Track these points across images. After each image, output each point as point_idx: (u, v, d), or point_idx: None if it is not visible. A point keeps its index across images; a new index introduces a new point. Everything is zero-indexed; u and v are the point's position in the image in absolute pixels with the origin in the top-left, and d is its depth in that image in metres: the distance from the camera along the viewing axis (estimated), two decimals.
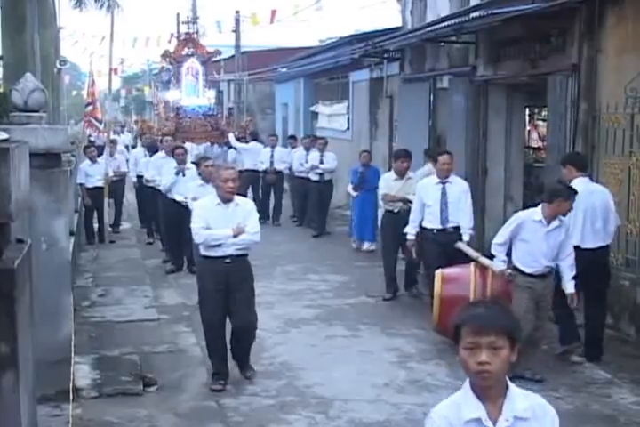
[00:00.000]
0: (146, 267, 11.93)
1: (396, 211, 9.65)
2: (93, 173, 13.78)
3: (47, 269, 5.83)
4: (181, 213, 9.81)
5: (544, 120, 12.68)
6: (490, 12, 9.22)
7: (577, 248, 6.88)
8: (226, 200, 6.61)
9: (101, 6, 25.51)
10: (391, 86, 15.47)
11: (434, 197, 8.59)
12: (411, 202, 9.28)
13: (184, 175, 10.83)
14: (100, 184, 13.81)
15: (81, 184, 13.63)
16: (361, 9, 46.17)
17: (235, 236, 6.49)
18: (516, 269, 6.79)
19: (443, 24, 10.54)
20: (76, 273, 9.94)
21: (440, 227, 8.58)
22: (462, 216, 8.58)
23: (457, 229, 8.58)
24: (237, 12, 29.22)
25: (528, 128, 13.56)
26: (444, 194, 8.57)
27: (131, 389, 6.50)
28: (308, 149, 15.17)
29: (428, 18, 13.23)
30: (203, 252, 6.66)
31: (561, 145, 9.04)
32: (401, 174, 9.71)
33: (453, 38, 11.39)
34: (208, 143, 16.81)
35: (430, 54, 13.03)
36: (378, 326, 8.52)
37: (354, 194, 12.79)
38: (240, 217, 6.61)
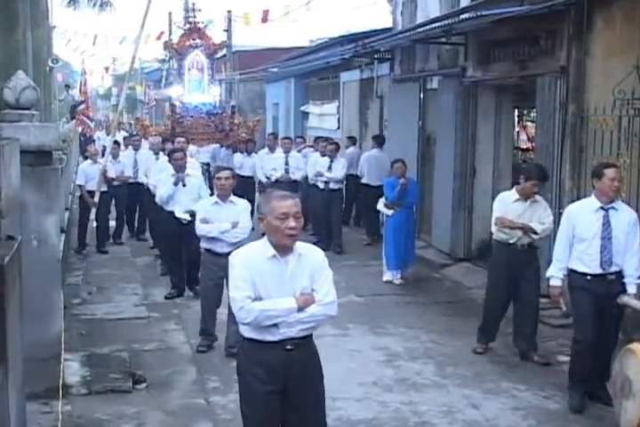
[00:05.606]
0: (136, 265, 11.94)
1: (511, 241, 7.38)
2: (94, 175, 12.52)
3: (37, 267, 5.85)
4: (182, 228, 8.98)
5: (533, 121, 12.72)
6: (479, 13, 9.27)
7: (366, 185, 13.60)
8: (284, 251, 4.17)
9: (94, 5, 25.56)
10: (381, 87, 15.53)
11: (592, 229, 6.18)
12: (536, 233, 7.33)
13: (184, 185, 9.36)
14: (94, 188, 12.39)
15: (80, 186, 12.70)
16: (351, 10, 45.95)
17: (300, 309, 4.13)
18: None
19: (433, 25, 10.59)
20: (66, 271, 9.96)
21: (599, 271, 6.15)
22: (629, 258, 6.15)
23: (619, 274, 6.20)
24: (229, 11, 29.33)
25: (517, 129, 13.59)
26: (606, 225, 6.16)
27: (120, 386, 6.52)
28: (324, 154, 13.08)
29: (419, 19, 13.29)
30: (248, 333, 4.22)
31: (549, 146, 9.10)
32: (525, 196, 7.41)
33: (443, 39, 11.47)
34: (217, 145, 14.80)
35: (420, 55, 13.09)
36: (366, 325, 8.58)
37: (389, 213, 10.65)
38: (306, 277, 4.19)
